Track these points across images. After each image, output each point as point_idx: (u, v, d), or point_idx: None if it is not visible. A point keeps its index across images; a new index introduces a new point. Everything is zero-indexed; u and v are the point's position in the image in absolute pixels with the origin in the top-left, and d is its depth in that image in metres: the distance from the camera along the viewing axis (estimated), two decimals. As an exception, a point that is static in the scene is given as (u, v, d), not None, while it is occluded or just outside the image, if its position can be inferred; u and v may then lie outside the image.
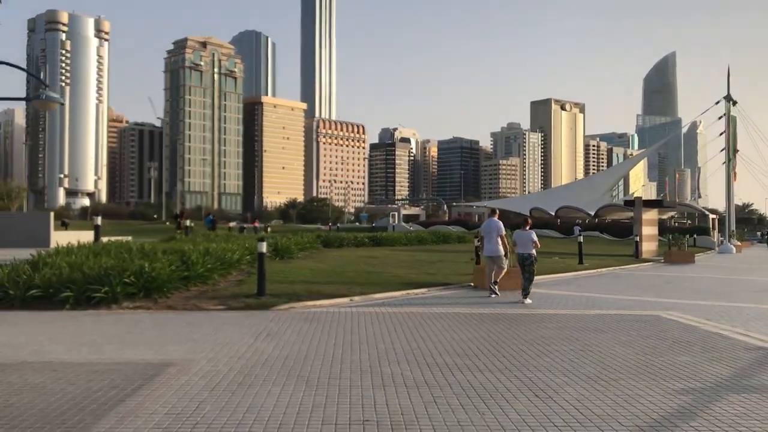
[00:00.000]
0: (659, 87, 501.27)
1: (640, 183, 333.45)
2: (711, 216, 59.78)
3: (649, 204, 35.76)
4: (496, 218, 15.48)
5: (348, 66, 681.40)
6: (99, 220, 17.36)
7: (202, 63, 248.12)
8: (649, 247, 33.14)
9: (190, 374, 6.70)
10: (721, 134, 67.01)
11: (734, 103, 71.89)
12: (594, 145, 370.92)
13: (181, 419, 5.20)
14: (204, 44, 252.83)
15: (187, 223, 33.37)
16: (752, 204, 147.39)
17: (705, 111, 74.63)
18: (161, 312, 11.37)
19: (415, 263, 23.09)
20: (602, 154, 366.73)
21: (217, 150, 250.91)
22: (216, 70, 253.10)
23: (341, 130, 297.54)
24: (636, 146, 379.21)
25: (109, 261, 12.93)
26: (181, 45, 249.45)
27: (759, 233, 64.89)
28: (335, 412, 5.42)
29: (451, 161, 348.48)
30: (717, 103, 68.75)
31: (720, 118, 68.61)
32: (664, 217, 73.79)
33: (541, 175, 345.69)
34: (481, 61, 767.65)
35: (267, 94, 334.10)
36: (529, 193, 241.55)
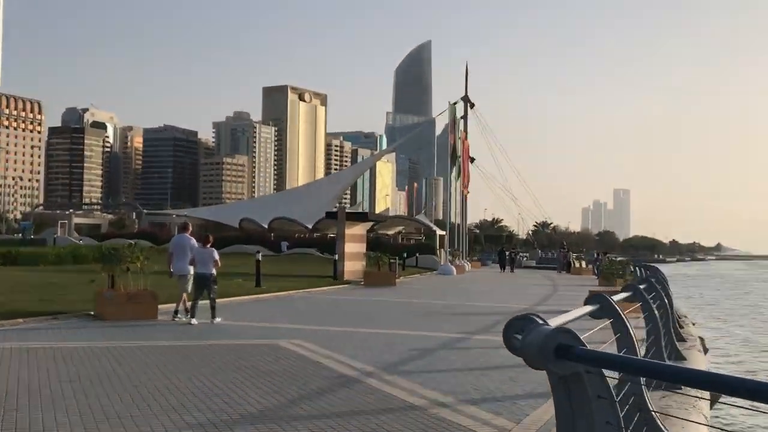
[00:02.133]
0: (412, 81, 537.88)
1: (386, 192, 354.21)
2: (439, 232, 65.39)
3: (354, 217, 38.25)
4: (188, 234, 17.23)
5: (19, 26, 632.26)
6: None
7: None
8: (353, 266, 35.39)
9: None
10: (464, 139, 73.33)
11: (472, 105, 79.44)
12: (337, 145, 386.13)
13: None
14: None
15: None
16: (502, 220, 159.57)
17: (441, 113, 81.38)
18: None
19: (40, 287, 22.68)
20: (346, 156, 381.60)
21: None
22: None
23: (7, 107, 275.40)
24: (385, 148, 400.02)
25: None
26: None
27: (498, 252, 71.28)
28: None
29: (161, 156, 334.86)
30: (455, 104, 75.12)
31: (461, 118, 74.85)
32: (390, 232, 79.24)
33: (275, 177, 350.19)
34: (202, 35, 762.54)
35: None
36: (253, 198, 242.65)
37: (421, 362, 11.92)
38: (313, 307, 22.42)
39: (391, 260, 37.25)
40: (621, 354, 6.14)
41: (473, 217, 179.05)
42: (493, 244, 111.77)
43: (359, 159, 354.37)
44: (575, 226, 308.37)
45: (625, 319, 7.07)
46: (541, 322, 4.29)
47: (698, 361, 13.09)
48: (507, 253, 64.86)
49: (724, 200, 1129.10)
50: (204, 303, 16.37)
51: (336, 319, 19.20)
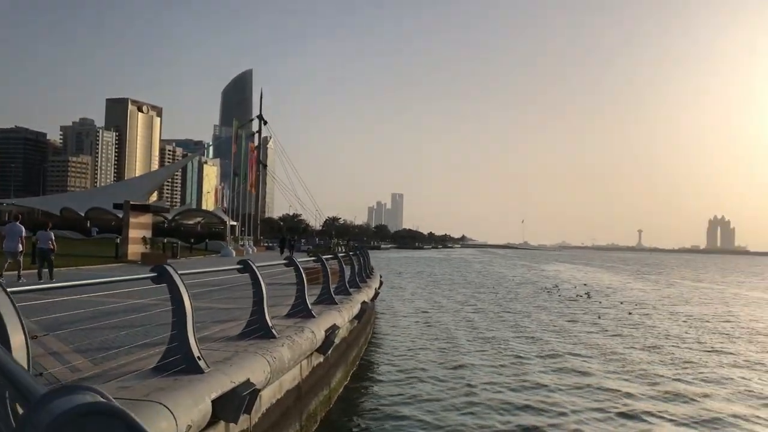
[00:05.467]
0: (236, 101, 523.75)
1: (208, 190, 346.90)
2: (230, 223, 63.64)
3: (138, 208, 36.23)
4: (18, 222, 18.90)
5: None
6: None
7: None
8: (136, 249, 33.53)
9: None
10: (255, 149, 72.08)
11: (265, 122, 78.38)
12: (170, 150, 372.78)
13: None
14: None
15: None
16: (301, 215, 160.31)
17: (241, 126, 79.06)
18: None
19: None
20: (177, 159, 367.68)
21: None
22: None
23: None
24: (211, 154, 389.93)
25: None
26: None
27: (280, 239, 70.13)
28: None
29: (12, 153, 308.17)
30: (251, 120, 74.19)
31: (252, 135, 73.70)
32: (190, 222, 76.38)
33: (115, 175, 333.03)
34: (51, 51, 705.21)
35: None
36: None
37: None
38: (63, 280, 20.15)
39: (172, 244, 36.26)
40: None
41: (281, 212, 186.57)
42: (292, 233, 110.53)
43: (188, 163, 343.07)
44: (360, 221, 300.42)
45: (180, 286, 6.33)
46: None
47: (329, 317, 12.18)
48: (288, 239, 64.17)
49: (471, 203, 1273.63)
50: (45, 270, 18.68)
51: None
